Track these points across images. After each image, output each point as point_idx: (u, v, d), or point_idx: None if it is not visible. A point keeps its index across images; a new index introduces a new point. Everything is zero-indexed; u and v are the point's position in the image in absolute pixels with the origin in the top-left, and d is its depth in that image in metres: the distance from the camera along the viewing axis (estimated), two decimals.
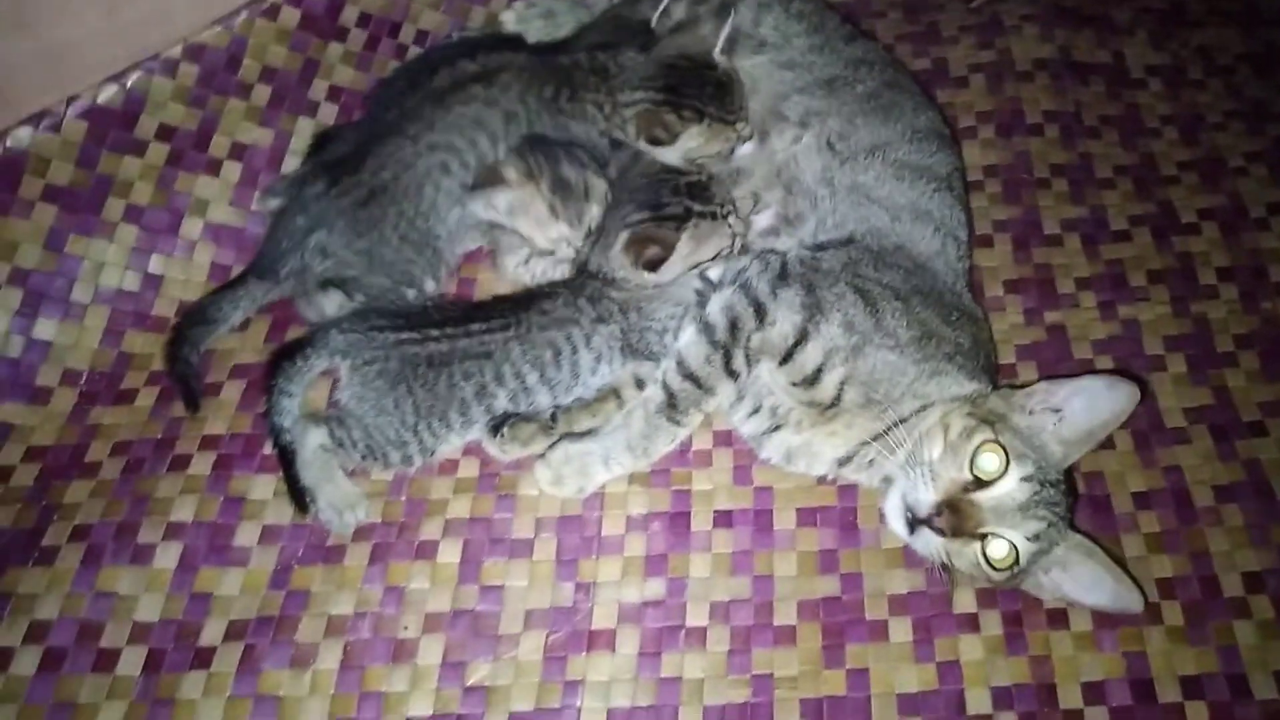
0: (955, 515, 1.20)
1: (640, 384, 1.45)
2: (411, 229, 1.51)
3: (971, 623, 1.31)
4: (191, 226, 1.62)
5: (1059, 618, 1.31)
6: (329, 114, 1.72)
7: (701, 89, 1.52)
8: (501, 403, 1.41)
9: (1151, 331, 1.59)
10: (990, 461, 1.21)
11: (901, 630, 1.30)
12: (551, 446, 1.41)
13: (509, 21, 1.80)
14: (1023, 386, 1.31)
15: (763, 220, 1.53)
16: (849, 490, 1.42)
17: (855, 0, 2.08)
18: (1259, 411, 1.49)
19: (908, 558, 1.36)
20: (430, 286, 1.54)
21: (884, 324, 1.30)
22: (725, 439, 1.47)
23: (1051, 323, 1.61)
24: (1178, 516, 1.40)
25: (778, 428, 1.38)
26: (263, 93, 1.63)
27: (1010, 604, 1.32)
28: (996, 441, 1.21)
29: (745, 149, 1.59)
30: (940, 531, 1.21)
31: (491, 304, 1.47)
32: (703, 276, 1.47)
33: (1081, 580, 1.23)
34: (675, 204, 1.42)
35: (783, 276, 1.35)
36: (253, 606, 1.32)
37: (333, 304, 1.49)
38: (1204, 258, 1.68)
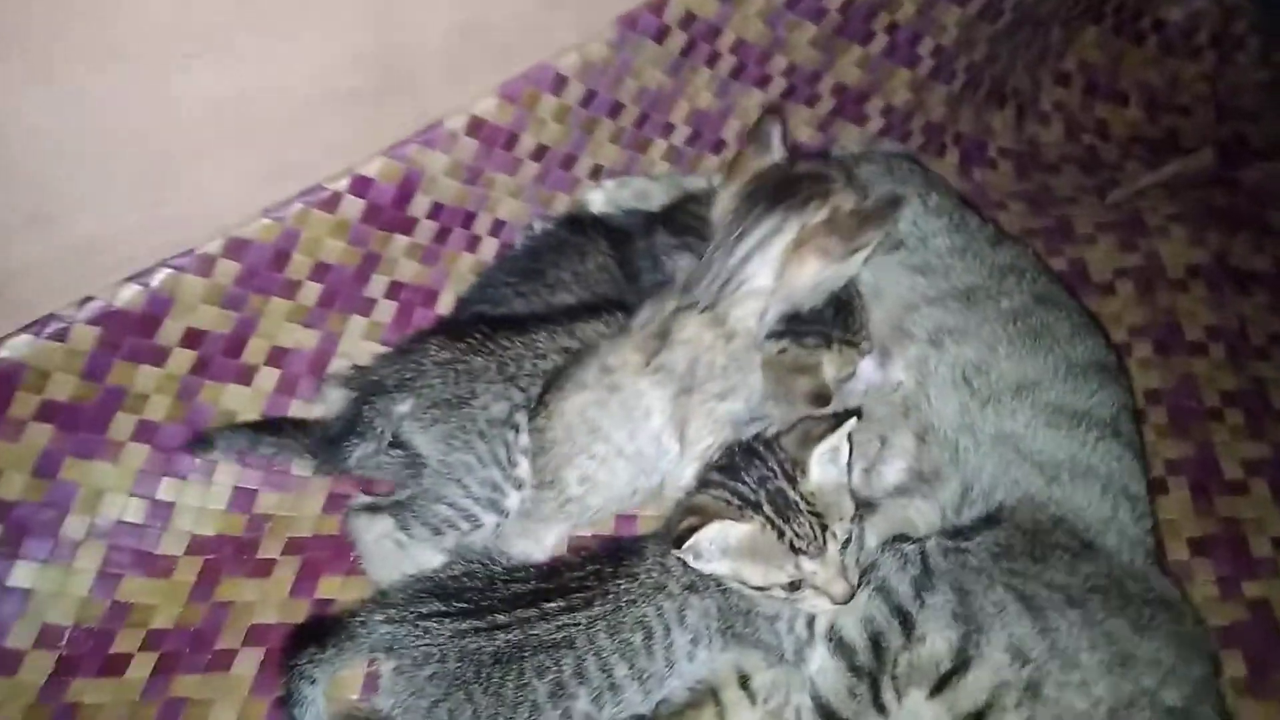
0: None
1: (745, 682, 1.15)
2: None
3: None
4: None
5: None
6: (386, 311, 1.46)
7: (821, 310, 1.28)
8: (583, 705, 1.11)
9: None
10: None
11: None
12: None
13: (596, 203, 1.57)
14: None
15: (891, 473, 1.25)
16: None
17: (973, 189, 1.87)
18: None
19: None
20: (494, 520, 1.25)
21: (1059, 645, 1.01)
22: None
23: (1253, 597, 1.31)
24: None
25: None
26: (311, 291, 1.38)
27: None
28: None
29: (865, 369, 1.33)
30: None
31: (566, 569, 1.18)
32: None
33: None
34: (751, 490, 1.10)
35: (927, 573, 1.08)
36: None
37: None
38: None
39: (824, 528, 1.06)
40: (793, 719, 1.08)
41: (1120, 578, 1.09)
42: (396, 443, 1.28)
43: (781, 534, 1.05)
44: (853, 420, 1.09)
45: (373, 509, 1.26)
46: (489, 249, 1.52)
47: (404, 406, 1.26)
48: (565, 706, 1.10)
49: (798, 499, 1.07)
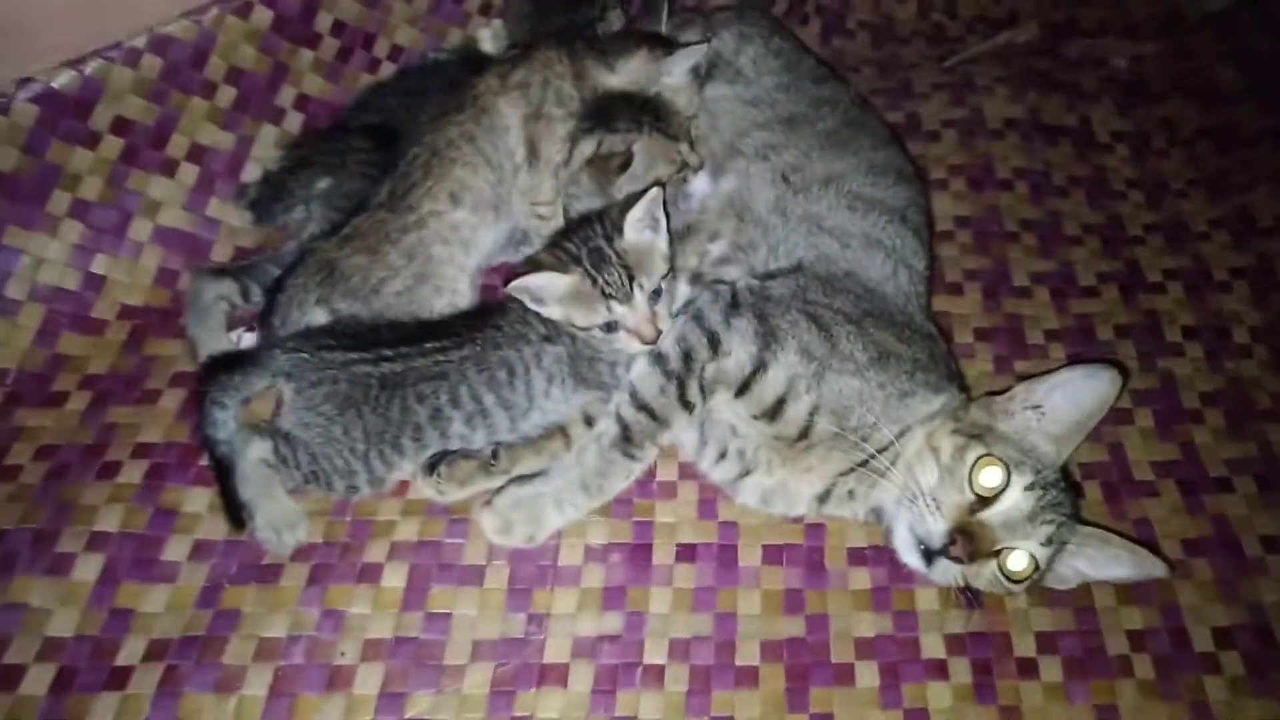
0: (969, 540, 1.17)
1: (589, 421, 1.39)
2: None
3: (940, 670, 1.26)
4: (141, 228, 1.54)
5: (1029, 668, 1.27)
6: (294, 122, 1.66)
7: (630, 105, 1.50)
8: (458, 426, 1.34)
9: None
10: (991, 476, 1.18)
11: (868, 675, 1.25)
12: (498, 491, 1.33)
13: (485, 39, 1.77)
14: (1000, 393, 1.29)
15: (716, 249, 1.50)
16: (816, 529, 1.38)
17: (832, 55, 2.10)
18: (1225, 468, 1.49)
19: (875, 600, 1.32)
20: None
21: (840, 348, 1.28)
22: (690, 472, 1.42)
23: (1021, 372, 1.59)
24: None
25: (748, 472, 1.34)
26: (227, 94, 1.57)
27: (980, 652, 1.27)
28: (991, 455, 1.18)
29: (699, 183, 1.57)
30: (958, 559, 1.17)
31: (446, 321, 1.40)
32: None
33: (1100, 562, 1.23)
34: (576, 247, 1.32)
35: (734, 306, 1.32)
36: (178, 625, 1.23)
37: None
38: (1170, 316, 1.69)
39: (631, 278, 1.30)
40: (613, 411, 1.33)
41: (890, 312, 1.36)
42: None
43: (595, 281, 1.29)
44: (655, 190, 1.32)
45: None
46: (388, 74, 1.72)
47: (323, 184, 1.46)
48: (443, 427, 1.33)
49: (611, 254, 1.31)
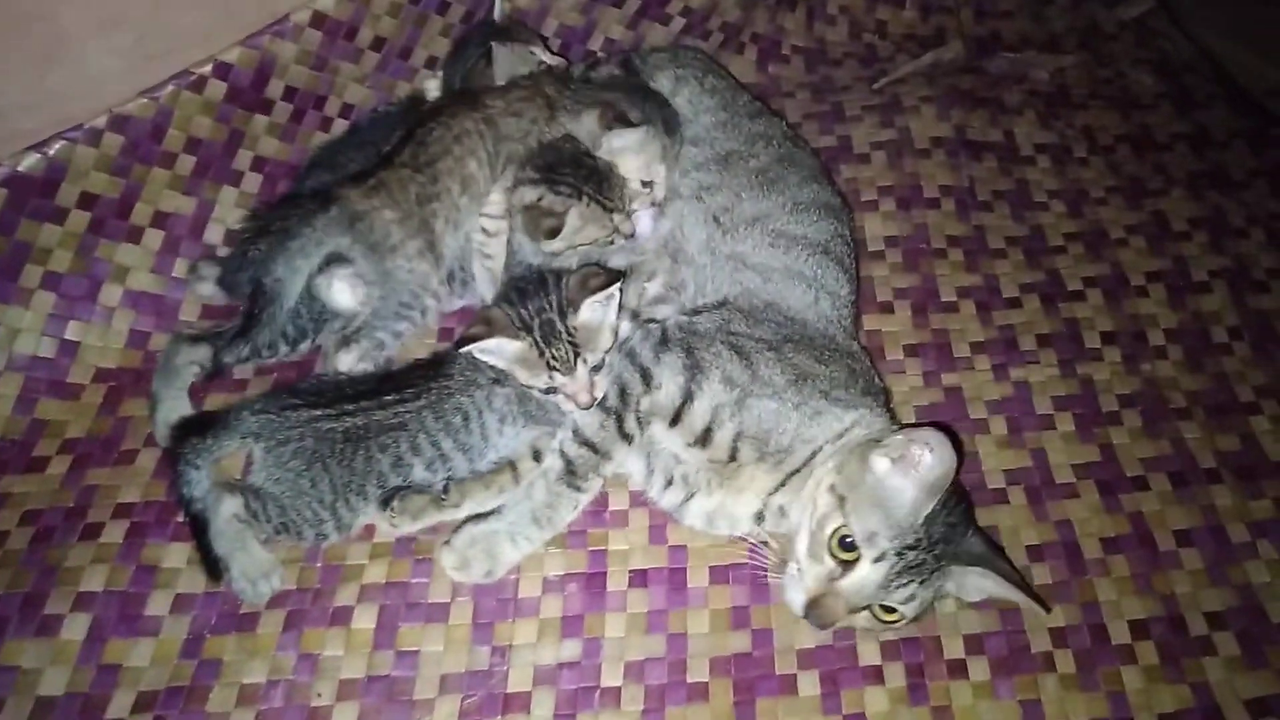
0: (820, 610, 1.26)
1: (537, 455, 1.48)
2: None
3: (876, 675, 1.36)
4: (111, 293, 1.63)
5: (959, 669, 1.37)
6: (253, 183, 1.74)
7: (578, 170, 1.58)
8: (419, 472, 1.43)
9: (1041, 392, 1.68)
10: (846, 548, 1.26)
11: (810, 684, 1.35)
12: (456, 530, 1.42)
13: (431, 90, 1.85)
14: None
15: (653, 289, 1.60)
16: (759, 547, 1.47)
17: (768, 81, 2.20)
18: (1141, 467, 1.59)
19: None
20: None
21: (759, 374, 1.37)
22: (641, 500, 1.51)
23: (948, 384, 1.69)
24: (1068, 568, 1.48)
25: (693, 496, 1.43)
26: (187, 162, 1.65)
27: (913, 656, 1.37)
28: (846, 526, 1.26)
29: (645, 225, 1.66)
30: (818, 626, 1.27)
31: (401, 374, 1.49)
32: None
33: (983, 590, 1.31)
34: (530, 316, 1.38)
35: (664, 342, 1.42)
36: (163, 677, 1.31)
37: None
38: (1089, 323, 1.78)
39: (577, 354, 1.37)
40: (556, 447, 1.43)
41: (811, 336, 1.45)
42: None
43: (542, 353, 1.36)
44: (620, 281, 1.39)
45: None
46: (340, 130, 1.80)
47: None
48: (405, 473, 1.42)
49: (562, 330, 1.37)
